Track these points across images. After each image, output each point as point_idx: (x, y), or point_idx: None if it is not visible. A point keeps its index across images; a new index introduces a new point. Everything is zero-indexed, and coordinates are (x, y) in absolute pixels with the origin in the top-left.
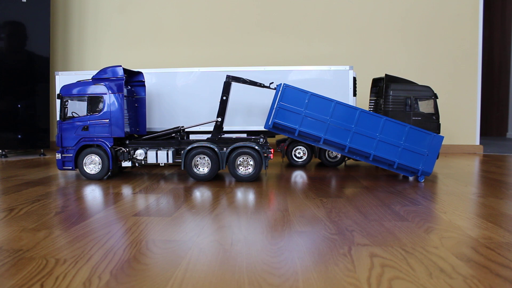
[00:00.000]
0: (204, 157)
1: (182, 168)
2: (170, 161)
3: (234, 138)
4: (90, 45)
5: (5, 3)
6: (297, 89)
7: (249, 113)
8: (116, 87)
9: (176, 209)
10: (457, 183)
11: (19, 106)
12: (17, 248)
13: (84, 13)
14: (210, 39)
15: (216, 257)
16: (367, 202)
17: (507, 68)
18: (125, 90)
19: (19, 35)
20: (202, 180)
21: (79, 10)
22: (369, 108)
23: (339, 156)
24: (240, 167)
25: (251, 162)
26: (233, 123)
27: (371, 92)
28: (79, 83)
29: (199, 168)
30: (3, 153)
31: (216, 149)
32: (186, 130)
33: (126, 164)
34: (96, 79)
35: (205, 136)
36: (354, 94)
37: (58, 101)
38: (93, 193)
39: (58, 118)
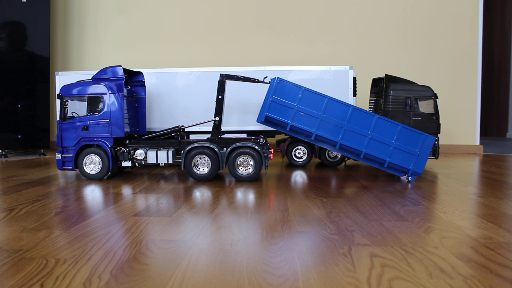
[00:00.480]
0: (204, 157)
1: (182, 168)
2: (170, 161)
3: (234, 138)
4: (90, 45)
5: (5, 3)
6: (290, 83)
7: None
8: (116, 87)
9: (176, 209)
10: (457, 183)
11: (19, 106)
12: (17, 248)
13: (84, 13)
14: (210, 39)
15: (216, 257)
16: (367, 202)
17: (507, 68)
18: (125, 90)
19: (19, 35)
20: (202, 180)
21: (79, 10)
22: (369, 108)
23: (339, 156)
24: (240, 167)
25: (251, 162)
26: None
27: (371, 92)
28: (79, 83)
29: (199, 168)
30: (3, 153)
31: (216, 149)
32: (186, 130)
33: (126, 164)
34: (96, 79)
35: (205, 136)
36: (354, 94)
37: (58, 101)
38: (93, 193)
39: (58, 118)
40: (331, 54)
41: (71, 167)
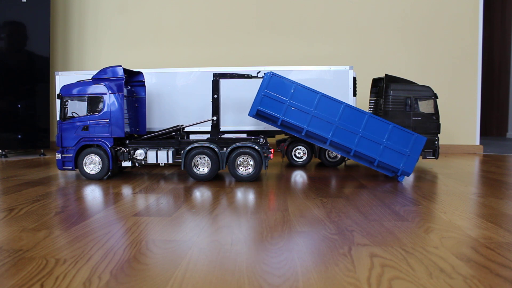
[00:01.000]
0: (204, 157)
1: (182, 168)
2: (170, 161)
3: (234, 138)
4: (90, 45)
5: (5, 3)
6: (283, 78)
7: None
8: (116, 87)
9: (176, 209)
10: (457, 183)
11: (19, 106)
12: (17, 248)
13: (84, 13)
14: (210, 39)
15: (216, 257)
16: (367, 202)
17: (507, 68)
18: (125, 90)
19: (19, 35)
20: (202, 180)
21: (79, 10)
22: (369, 108)
23: (339, 156)
24: (240, 167)
25: (251, 162)
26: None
27: (371, 92)
28: (79, 83)
29: (199, 168)
30: (3, 153)
31: (216, 149)
32: (185, 130)
33: (126, 164)
34: (96, 79)
35: (205, 136)
36: (354, 94)
37: (58, 101)
38: (93, 193)
39: (58, 118)
40: (331, 54)
41: (71, 167)
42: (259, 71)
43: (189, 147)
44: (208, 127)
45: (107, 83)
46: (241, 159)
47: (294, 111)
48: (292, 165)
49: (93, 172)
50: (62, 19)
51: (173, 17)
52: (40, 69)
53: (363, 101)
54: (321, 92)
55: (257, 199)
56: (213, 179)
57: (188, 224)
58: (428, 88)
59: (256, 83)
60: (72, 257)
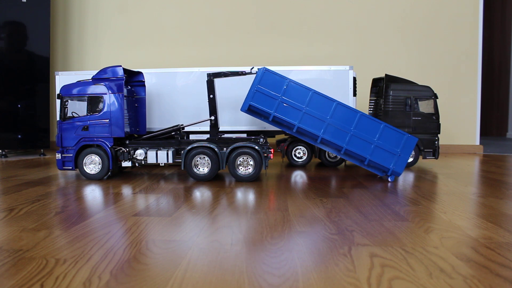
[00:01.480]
0: (204, 157)
1: (182, 168)
2: (170, 161)
3: (234, 138)
4: (90, 45)
5: (5, 3)
6: (276, 74)
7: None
8: (116, 87)
9: (176, 209)
10: (457, 183)
11: (19, 106)
12: (17, 248)
13: (84, 13)
14: (210, 39)
15: (216, 257)
16: (367, 202)
17: (507, 68)
18: (125, 90)
19: (19, 35)
20: (202, 180)
21: (79, 10)
22: (369, 108)
23: (338, 156)
24: (240, 167)
25: (251, 162)
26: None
27: (371, 92)
28: (79, 83)
29: (199, 168)
30: (3, 153)
31: (216, 149)
32: (185, 129)
33: (126, 164)
34: (96, 79)
35: (205, 136)
36: (354, 94)
37: (58, 101)
38: (93, 193)
39: (58, 118)
40: (331, 54)
41: (71, 167)
42: (253, 67)
43: (189, 147)
44: (208, 127)
45: (107, 83)
46: (241, 159)
47: (286, 107)
48: (292, 165)
49: (93, 172)
50: (62, 19)
51: (173, 17)
52: (40, 69)
53: (363, 101)
54: (313, 89)
55: (257, 199)
56: (213, 179)
57: (188, 224)
58: (428, 88)
59: (250, 81)
60: (72, 257)
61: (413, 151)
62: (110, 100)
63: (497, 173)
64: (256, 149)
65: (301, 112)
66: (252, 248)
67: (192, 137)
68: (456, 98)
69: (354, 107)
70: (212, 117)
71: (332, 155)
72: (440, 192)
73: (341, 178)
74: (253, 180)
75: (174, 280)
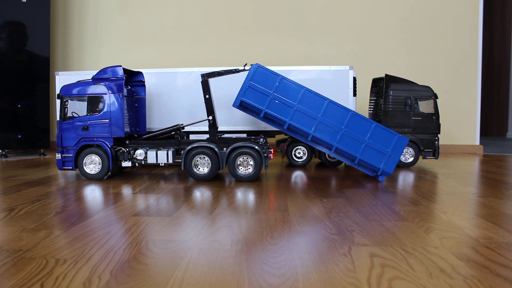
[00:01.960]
0: (204, 157)
1: (182, 168)
2: (170, 161)
3: (234, 138)
4: (90, 45)
5: (5, 3)
6: (268, 70)
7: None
8: (116, 87)
9: (176, 209)
10: (457, 183)
11: (19, 106)
12: (17, 248)
13: (84, 13)
14: (210, 39)
15: (216, 257)
16: (367, 202)
17: (507, 68)
18: (125, 90)
19: (19, 35)
20: (202, 180)
21: (79, 10)
22: (369, 108)
23: None
24: (240, 167)
25: (251, 162)
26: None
27: (371, 92)
28: (79, 83)
29: (199, 168)
30: (3, 153)
31: (216, 149)
32: (185, 129)
33: (126, 164)
34: (96, 79)
35: (205, 136)
36: (354, 94)
37: (58, 101)
38: (93, 193)
39: (58, 118)
40: (331, 54)
41: (71, 167)
42: (246, 64)
43: (189, 147)
44: (208, 127)
45: (107, 83)
46: (241, 159)
47: (278, 104)
48: (292, 165)
49: (93, 172)
50: (62, 19)
51: (173, 17)
52: (40, 69)
53: (363, 101)
54: (305, 87)
55: (257, 199)
56: (213, 179)
57: (188, 224)
58: (428, 88)
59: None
60: (72, 257)
61: (413, 151)
62: (110, 100)
63: (497, 173)
64: (256, 149)
65: (293, 109)
66: (252, 248)
67: (192, 137)
68: (456, 98)
69: (354, 107)
70: (210, 117)
71: None
72: (440, 192)
73: (341, 178)
74: (253, 180)
75: (174, 280)
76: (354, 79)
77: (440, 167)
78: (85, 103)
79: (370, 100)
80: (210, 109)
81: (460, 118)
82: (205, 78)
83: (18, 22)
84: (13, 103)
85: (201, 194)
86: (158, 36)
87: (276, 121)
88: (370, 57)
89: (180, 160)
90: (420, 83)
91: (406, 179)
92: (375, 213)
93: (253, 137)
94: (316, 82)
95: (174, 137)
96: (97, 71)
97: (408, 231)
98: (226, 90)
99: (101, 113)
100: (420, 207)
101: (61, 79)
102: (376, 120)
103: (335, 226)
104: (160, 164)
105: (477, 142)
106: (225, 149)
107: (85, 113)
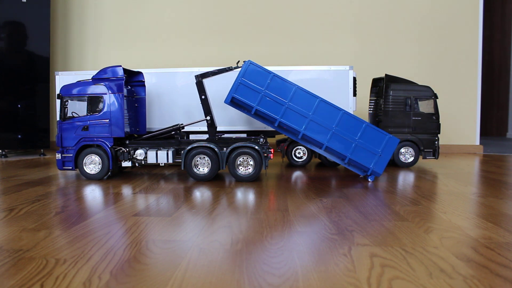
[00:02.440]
0: (204, 157)
1: (182, 168)
2: (170, 161)
3: (234, 138)
4: (90, 45)
5: (5, 3)
6: (260, 67)
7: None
8: (116, 87)
9: (176, 209)
10: (457, 183)
11: (19, 106)
12: (17, 248)
13: (84, 13)
14: (210, 39)
15: (216, 257)
16: (367, 202)
17: (507, 68)
18: (125, 90)
19: (19, 35)
20: (202, 180)
21: (79, 10)
22: (369, 108)
23: None
24: (240, 167)
25: (251, 162)
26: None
27: (371, 92)
28: (79, 83)
29: (199, 168)
30: (3, 153)
31: (216, 149)
32: (185, 129)
33: (126, 164)
34: (96, 79)
35: (205, 136)
36: (354, 94)
37: (58, 101)
38: (93, 193)
39: (58, 118)
40: (331, 54)
41: (71, 167)
42: (238, 61)
43: (189, 147)
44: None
45: (107, 83)
46: (241, 159)
47: (269, 101)
48: (292, 165)
49: (93, 172)
50: (62, 19)
51: (173, 17)
52: (40, 69)
53: (363, 101)
54: (297, 85)
55: (257, 199)
56: (213, 179)
57: (188, 224)
58: (428, 88)
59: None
60: (72, 257)
61: (413, 151)
62: (110, 100)
63: (497, 173)
64: (256, 149)
65: (284, 106)
66: (252, 248)
67: (192, 137)
68: (456, 98)
69: (354, 108)
70: (208, 117)
71: None
72: (440, 192)
73: (341, 178)
74: (253, 180)
75: (174, 280)
76: (354, 79)
77: (440, 167)
78: (85, 103)
79: (370, 100)
80: (207, 110)
81: (460, 118)
82: (199, 79)
83: (18, 22)
84: (13, 103)
85: (201, 194)
86: (158, 36)
87: (267, 118)
88: (370, 57)
89: (180, 160)
90: (420, 83)
91: (406, 179)
92: (375, 213)
93: (253, 137)
94: (316, 82)
95: (174, 137)
96: (97, 71)
97: (408, 231)
98: (226, 90)
99: (101, 113)
100: (420, 207)
101: (61, 79)
102: (376, 120)
103: (335, 226)
104: (160, 164)
105: (477, 142)
106: (225, 149)
107: (85, 113)
